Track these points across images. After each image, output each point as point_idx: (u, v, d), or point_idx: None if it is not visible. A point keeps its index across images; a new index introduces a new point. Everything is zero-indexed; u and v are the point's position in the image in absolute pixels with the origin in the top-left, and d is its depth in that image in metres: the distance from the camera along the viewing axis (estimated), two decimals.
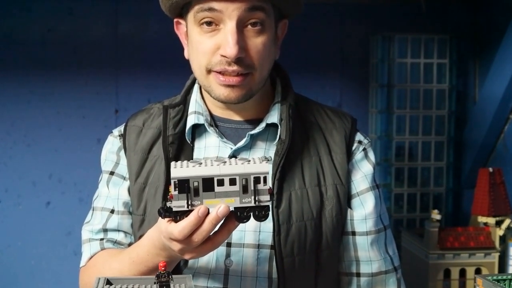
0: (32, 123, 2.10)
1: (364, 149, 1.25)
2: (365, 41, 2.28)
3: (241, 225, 1.16)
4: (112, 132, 1.30)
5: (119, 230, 1.25)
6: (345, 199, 1.21)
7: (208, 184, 0.93)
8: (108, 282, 0.90)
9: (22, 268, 2.12)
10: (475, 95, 2.36)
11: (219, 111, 1.23)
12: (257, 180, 0.94)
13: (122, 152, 1.27)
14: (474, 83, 2.37)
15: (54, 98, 2.10)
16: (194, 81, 1.28)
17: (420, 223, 2.24)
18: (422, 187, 2.27)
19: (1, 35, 2.05)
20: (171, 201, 0.95)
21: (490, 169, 1.97)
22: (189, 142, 1.22)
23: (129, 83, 2.15)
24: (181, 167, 0.94)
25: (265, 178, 0.94)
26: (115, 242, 1.24)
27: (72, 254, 2.15)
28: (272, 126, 1.21)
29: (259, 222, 1.16)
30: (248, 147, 1.20)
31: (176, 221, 0.96)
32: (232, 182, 0.94)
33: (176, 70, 2.12)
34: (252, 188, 0.94)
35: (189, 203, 0.94)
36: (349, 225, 1.21)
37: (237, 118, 1.22)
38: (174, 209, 0.95)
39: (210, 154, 1.21)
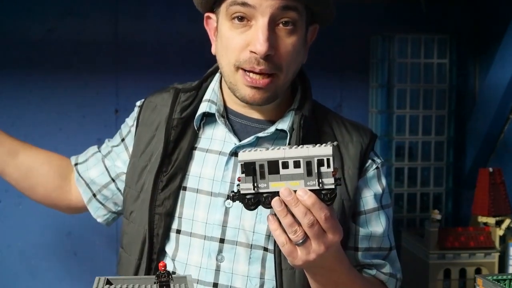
0: (32, 123, 2.10)
1: (377, 168, 1.24)
2: (365, 41, 2.28)
3: (236, 222, 1.16)
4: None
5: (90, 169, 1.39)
6: (350, 214, 1.20)
7: (273, 167, 0.96)
8: (108, 282, 0.90)
9: (22, 268, 2.12)
10: (475, 95, 2.36)
11: (234, 105, 1.23)
12: (320, 163, 0.95)
13: (135, 122, 1.31)
14: (474, 83, 2.37)
15: (54, 98, 2.10)
16: (215, 70, 1.27)
17: (420, 223, 2.24)
18: (422, 187, 2.27)
19: (1, 35, 2.05)
20: (240, 184, 0.98)
21: (490, 169, 1.97)
22: (195, 129, 1.22)
23: (129, 83, 2.14)
24: (249, 151, 0.97)
25: (328, 161, 0.94)
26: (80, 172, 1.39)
27: (72, 254, 2.15)
28: (282, 131, 1.20)
29: (254, 222, 1.17)
30: (253, 145, 1.20)
31: (245, 203, 0.98)
32: (297, 164, 0.95)
33: (176, 70, 2.13)
34: (316, 171, 0.95)
35: (255, 185, 0.96)
36: (353, 240, 1.21)
37: (250, 115, 1.22)
38: (241, 192, 0.98)
39: (215, 147, 1.22)
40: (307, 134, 1.18)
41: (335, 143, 0.98)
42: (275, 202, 0.96)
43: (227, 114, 1.23)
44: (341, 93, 2.32)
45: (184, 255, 1.20)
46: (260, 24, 1.08)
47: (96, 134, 2.11)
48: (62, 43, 2.09)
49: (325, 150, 0.95)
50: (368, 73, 2.30)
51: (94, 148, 1.43)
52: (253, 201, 0.98)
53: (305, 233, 0.96)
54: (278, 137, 1.21)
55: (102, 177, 1.37)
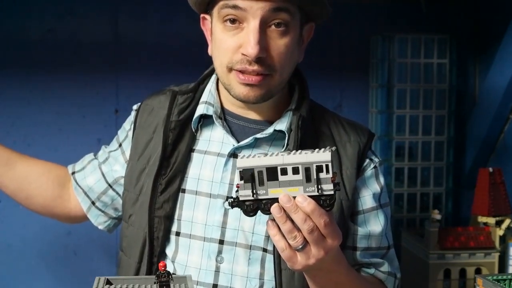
0: (32, 123, 2.10)
1: (375, 167, 1.24)
2: (365, 41, 2.28)
3: (236, 223, 1.16)
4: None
5: (87, 177, 1.38)
6: (349, 214, 1.20)
7: (272, 173, 0.95)
8: (108, 282, 0.90)
9: (22, 268, 2.12)
10: (475, 95, 2.36)
11: (231, 106, 1.23)
12: (319, 169, 0.94)
13: (132, 126, 1.30)
14: (474, 83, 2.37)
15: (54, 98, 2.10)
16: (212, 71, 1.27)
17: (420, 223, 2.24)
18: (422, 187, 2.27)
19: (1, 35, 2.05)
20: (238, 191, 0.97)
21: (490, 169, 1.97)
22: (193, 131, 1.22)
23: (129, 83, 2.14)
24: (247, 158, 0.96)
25: (327, 167, 0.94)
26: (78, 180, 1.38)
27: (72, 254, 2.15)
28: (280, 132, 1.20)
29: (253, 223, 1.17)
30: (251, 146, 1.20)
31: (244, 210, 0.98)
32: (295, 171, 0.95)
33: (176, 70, 2.13)
34: (315, 177, 0.94)
35: (254, 192, 0.96)
36: (351, 239, 1.21)
37: (247, 116, 1.22)
38: (240, 198, 0.97)
39: (213, 149, 1.21)
40: (305, 135, 1.17)
41: (333, 148, 0.98)
42: (274, 208, 0.95)
43: (224, 115, 1.23)
44: (341, 93, 2.32)
45: (183, 256, 1.20)
46: (252, 27, 1.08)
47: (96, 134, 2.11)
48: (62, 43, 2.09)
49: (323, 156, 0.94)
50: (368, 73, 2.30)
51: (90, 156, 1.42)
52: (252, 208, 0.98)
53: (305, 238, 0.96)
54: (276, 138, 1.21)
55: (99, 184, 1.36)
